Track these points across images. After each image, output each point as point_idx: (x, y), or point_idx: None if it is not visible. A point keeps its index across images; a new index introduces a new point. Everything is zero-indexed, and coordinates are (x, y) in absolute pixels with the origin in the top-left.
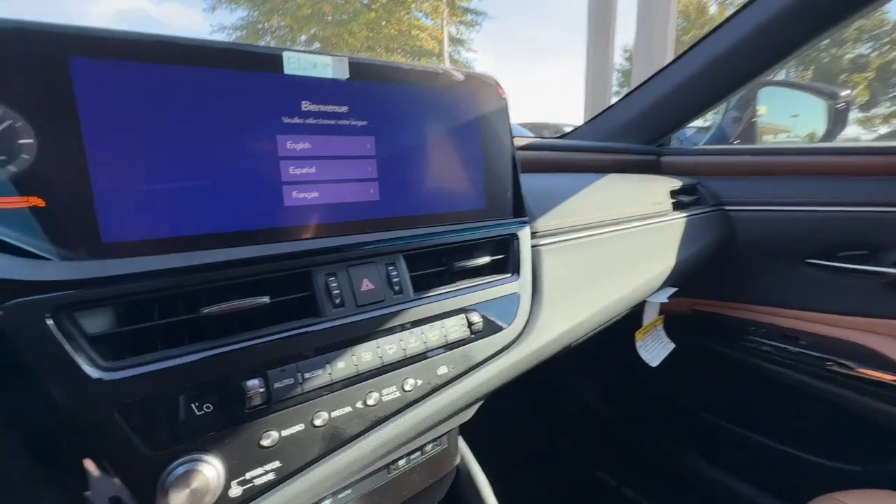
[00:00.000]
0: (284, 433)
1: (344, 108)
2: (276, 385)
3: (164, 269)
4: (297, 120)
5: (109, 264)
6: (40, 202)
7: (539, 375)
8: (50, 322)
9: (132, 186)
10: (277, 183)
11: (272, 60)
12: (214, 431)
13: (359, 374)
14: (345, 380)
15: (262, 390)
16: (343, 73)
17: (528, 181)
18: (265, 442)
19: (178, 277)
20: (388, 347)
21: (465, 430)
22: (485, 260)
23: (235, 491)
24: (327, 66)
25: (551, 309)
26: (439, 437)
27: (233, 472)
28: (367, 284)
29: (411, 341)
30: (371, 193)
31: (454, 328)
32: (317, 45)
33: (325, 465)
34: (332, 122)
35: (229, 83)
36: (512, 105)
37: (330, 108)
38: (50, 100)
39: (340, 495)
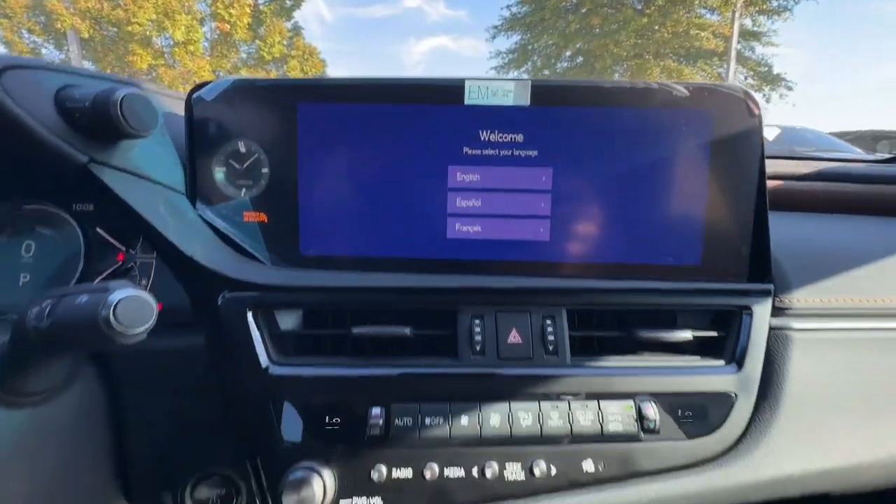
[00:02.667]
0: (394, 474)
1: (519, 137)
2: (396, 422)
3: (339, 286)
4: (471, 151)
5: (300, 275)
6: (265, 218)
7: None
8: (249, 315)
9: (325, 211)
10: (443, 214)
11: (454, 91)
12: (336, 447)
13: (481, 438)
14: (464, 438)
15: (381, 422)
16: (524, 100)
17: (798, 227)
18: (375, 476)
19: (347, 295)
20: (521, 416)
21: None
22: (685, 335)
23: None
24: (509, 94)
25: (792, 431)
26: None
27: (341, 494)
28: (514, 336)
29: (553, 417)
30: (540, 232)
31: (616, 416)
32: (579, 60)
33: None
34: (507, 152)
35: (413, 116)
36: (837, 112)
37: (506, 138)
38: (282, 137)
39: None
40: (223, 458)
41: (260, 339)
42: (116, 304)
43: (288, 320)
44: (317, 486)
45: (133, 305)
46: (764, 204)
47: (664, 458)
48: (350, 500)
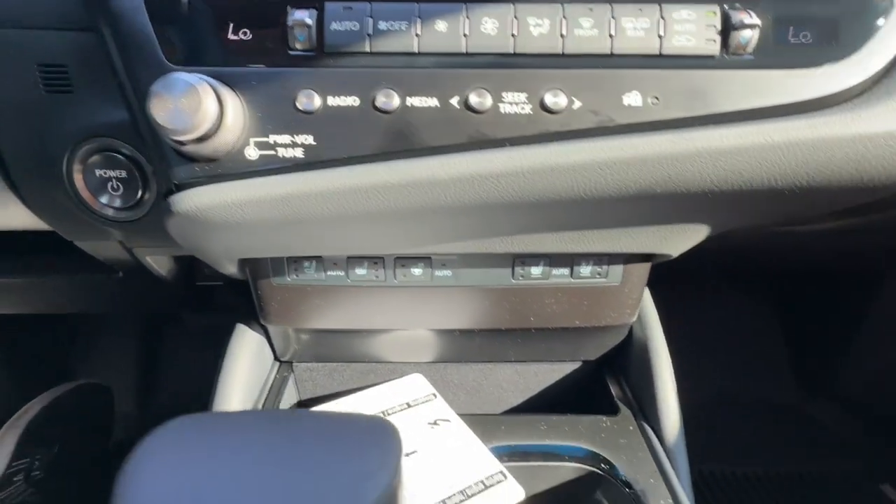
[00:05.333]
0: (331, 101)
1: None
2: (333, 26)
3: None
4: None
5: None
6: None
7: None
8: None
9: None
10: None
11: None
12: (241, 63)
13: (466, 53)
14: (440, 53)
15: (310, 25)
16: None
17: None
18: (302, 103)
19: None
20: (532, 22)
21: (663, 290)
22: None
23: (252, 153)
24: None
25: None
26: (604, 257)
27: (255, 128)
28: None
29: (583, 24)
30: None
31: (686, 27)
32: None
33: (376, 172)
34: None
35: None
36: None
37: None
38: None
39: (438, 272)
40: (98, 115)
41: None
42: None
43: None
44: (208, 100)
45: None
46: None
47: (755, 92)
48: (266, 137)
